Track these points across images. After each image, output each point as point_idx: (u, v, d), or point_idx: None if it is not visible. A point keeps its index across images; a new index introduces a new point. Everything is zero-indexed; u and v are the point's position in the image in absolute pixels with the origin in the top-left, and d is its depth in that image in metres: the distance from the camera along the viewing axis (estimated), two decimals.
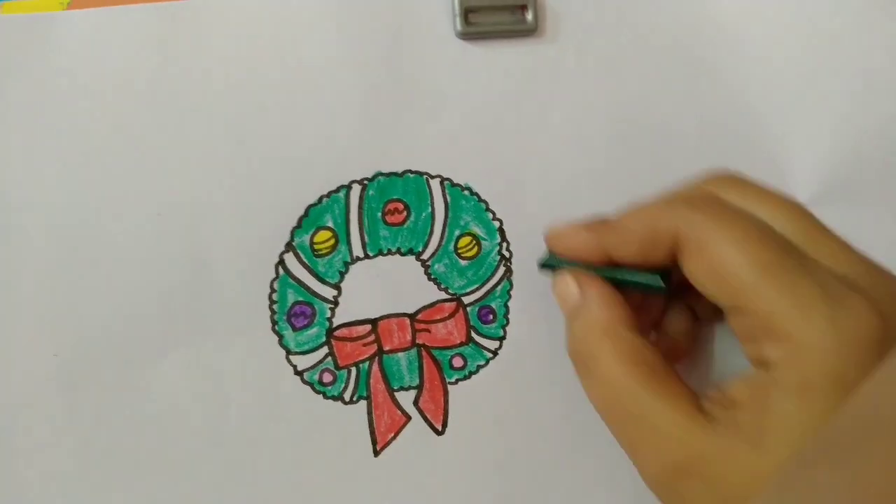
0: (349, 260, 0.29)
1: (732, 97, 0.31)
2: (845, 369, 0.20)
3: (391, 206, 0.29)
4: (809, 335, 0.21)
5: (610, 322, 0.24)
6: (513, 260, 0.30)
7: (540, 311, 0.30)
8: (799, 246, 0.23)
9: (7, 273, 0.27)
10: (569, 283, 0.26)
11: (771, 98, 0.31)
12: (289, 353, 0.28)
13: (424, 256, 0.29)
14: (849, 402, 0.17)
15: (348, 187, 0.29)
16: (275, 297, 0.28)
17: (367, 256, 0.29)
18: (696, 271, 0.23)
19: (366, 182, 0.29)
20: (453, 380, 0.29)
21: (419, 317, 0.29)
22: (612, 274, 0.26)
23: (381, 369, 0.29)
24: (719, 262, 0.22)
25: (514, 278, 0.30)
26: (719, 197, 0.24)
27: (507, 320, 0.30)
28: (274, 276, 0.28)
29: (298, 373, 0.28)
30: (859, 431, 0.15)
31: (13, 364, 0.27)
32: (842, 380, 0.20)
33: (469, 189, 0.29)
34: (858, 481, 0.14)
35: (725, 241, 0.22)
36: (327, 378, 0.28)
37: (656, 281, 0.25)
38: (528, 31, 0.30)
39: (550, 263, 0.27)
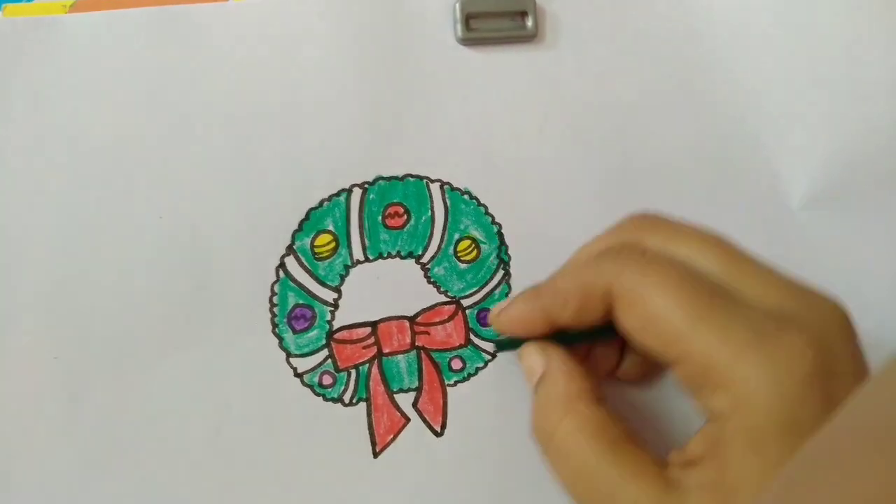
0: (349, 263, 0.29)
1: (728, 102, 0.31)
2: (791, 410, 0.20)
3: (391, 210, 0.29)
4: (750, 381, 0.20)
5: (571, 396, 0.24)
6: (511, 263, 0.30)
7: None
8: (725, 282, 0.22)
9: (7, 275, 0.27)
10: (534, 356, 0.25)
11: (765, 103, 0.31)
12: (289, 355, 0.28)
13: (424, 260, 0.29)
14: (843, 409, 0.16)
15: (349, 191, 0.29)
16: (275, 299, 0.28)
17: (367, 260, 0.29)
18: (631, 327, 0.23)
19: (366, 186, 0.29)
20: (452, 382, 0.29)
21: (418, 319, 0.29)
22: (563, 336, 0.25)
23: (381, 371, 0.29)
24: (652, 315, 0.22)
25: (513, 281, 0.30)
26: (642, 244, 0.24)
27: None
28: (274, 278, 0.28)
29: (298, 375, 0.28)
30: (855, 440, 0.15)
31: (13, 366, 0.27)
32: (790, 421, 0.20)
33: (468, 193, 0.30)
34: (855, 491, 0.14)
35: (655, 292, 0.22)
36: (327, 380, 0.28)
37: (606, 329, 0.24)
38: (528, 38, 0.30)
39: (504, 343, 0.28)
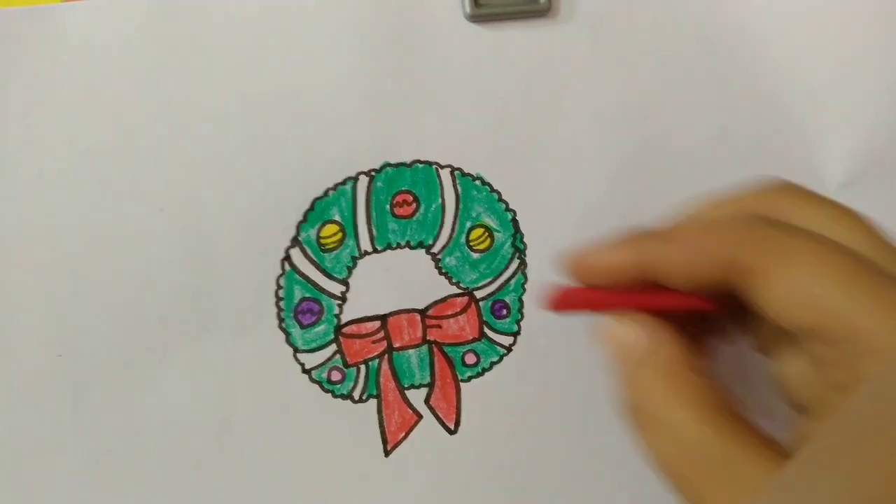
0: (357, 254, 0.28)
1: (758, 81, 0.29)
2: None
3: (400, 198, 0.28)
4: None
5: (679, 367, 0.21)
6: (527, 252, 0.29)
7: None
8: (870, 258, 0.21)
9: (8, 271, 0.27)
10: (629, 325, 0.22)
11: (799, 80, 0.29)
12: (296, 350, 0.27)
13: (435, 250, 0.28)
14: (847, 403, 0.16)
15: (355, 179, 0.28)
16: (281, 293, 0.27)
17: (375, 250, 0.28)
18: (770, 299, 0.21)
19: (373, 173, 0.28)
20: (466, 377, 0.28)
21: (430, 312, 0.28)
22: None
23: (391, 367, 0.28)
24: (801, 289, 0.20)
25: (529, 271, 0.29)
26: (774, 215, 0.22)
27: (522, 315, 0.29)
28: (280, 272, 0.27)
29: (306, 371, 0.28)
30: (857, 433, 0.15)
31: (17, 364, 0.26)
32: None
33: (480, 179, 0.28)
34: (855, 485, 0.14)
35: (802, 266, 0.20)
36: (336, 376, 0.28)
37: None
38: (542, 12, 0.28)
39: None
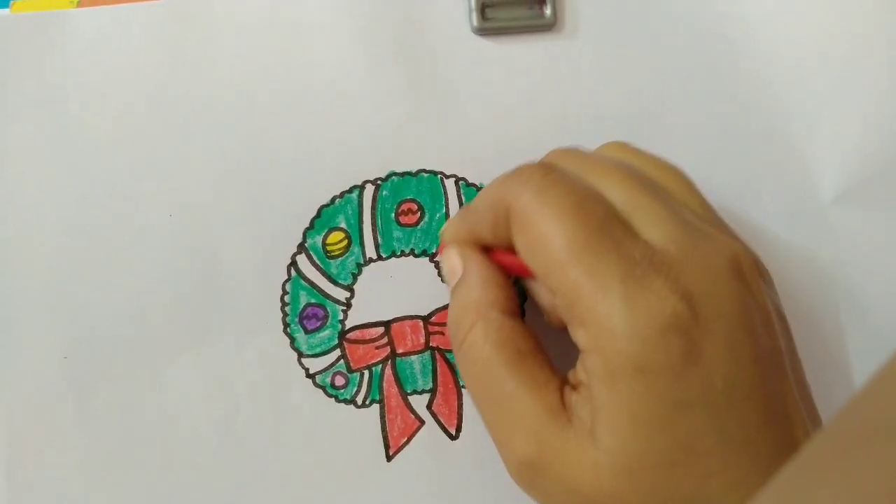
0: (362, 261, 0.28)
1: (756, 94, 0.30)
2: (645, 354, 0.20)
3: (405, 207, 0.28)
4: (608, 320, 0.20)
5: (482, 302, 0.24)
6: None
7: None
8: (625, 213, 0.22)
9: (16, 274, 0.27)
10: (453, 258, 0.25)
11: (796, 95, 0.30)
12: (301, 355, 0.28)
13: (438, 258, 0.29)
14: (845, 406, 0.16)
15: (361, 187, 0.28)
16: (287, 298, 0.28)
17: (380, 258, 0.28)
18: (519, 248, 0.23)
19: (379, 182, 0.28)
20: None
21: (433, 319, 0.28)
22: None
23: (395, 372, 0.28)
24: (537, 239, 0.22)
25: (528, 280, 0.29)
26: (554, 166, 0.23)
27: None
28: (286, 277, 0.28)
29: (310, 375, 0.28)
30: (856, 437, 0.15)
31: (22, 366, 0.27)
32: (643, 365, 0.20)
33: None
34: (856, 488, 0.14)
35: (544, 216, 0.22)
36: (339, 381, 0.28)
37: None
38: (547, 26, 0.29)
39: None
